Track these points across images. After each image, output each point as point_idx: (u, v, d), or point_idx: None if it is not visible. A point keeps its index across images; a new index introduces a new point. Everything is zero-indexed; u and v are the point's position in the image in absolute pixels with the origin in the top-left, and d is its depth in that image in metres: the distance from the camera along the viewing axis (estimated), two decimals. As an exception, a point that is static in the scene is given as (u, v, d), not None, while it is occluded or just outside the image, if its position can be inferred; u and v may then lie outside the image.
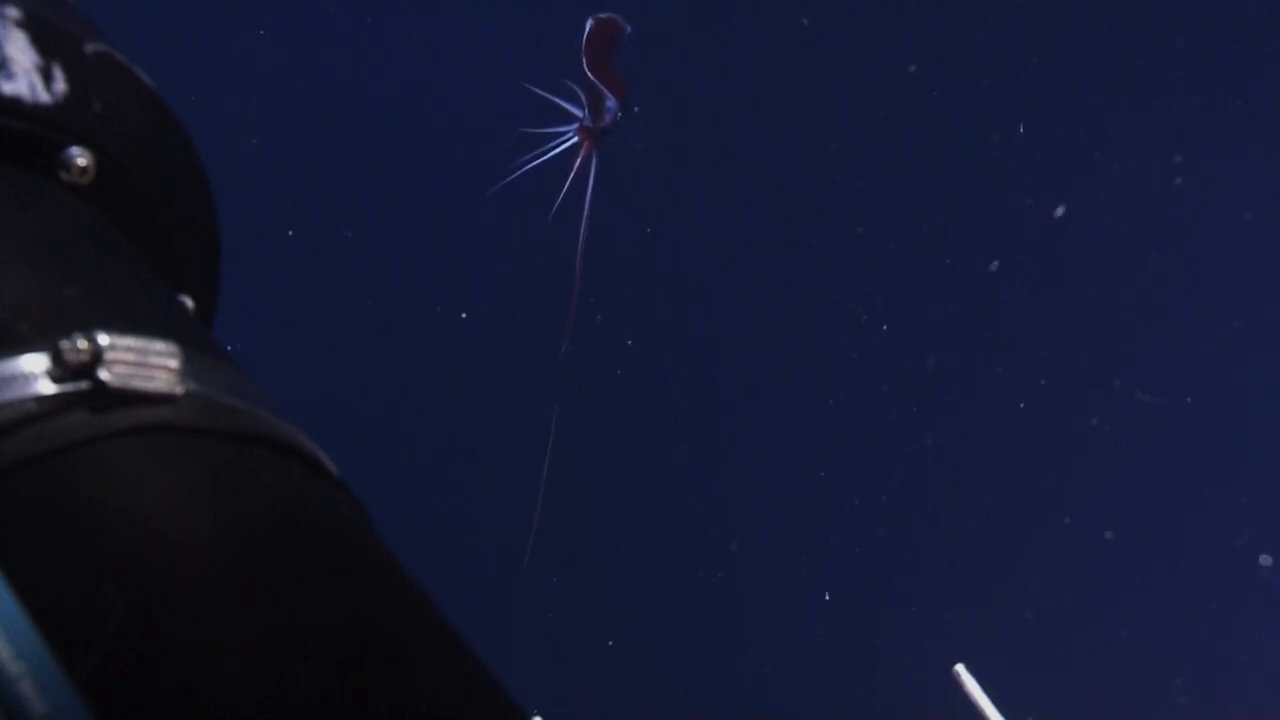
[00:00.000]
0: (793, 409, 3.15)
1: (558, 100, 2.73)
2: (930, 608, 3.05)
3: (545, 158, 2.73)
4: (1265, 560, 2.85)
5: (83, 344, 0.37)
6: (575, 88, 2.70)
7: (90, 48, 0.48)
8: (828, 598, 3.10)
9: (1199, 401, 3.03)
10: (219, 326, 0.53)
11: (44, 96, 0.46)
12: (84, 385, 0.36)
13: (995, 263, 3.11)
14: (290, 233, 3.10)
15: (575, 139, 2.73)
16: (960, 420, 3.13)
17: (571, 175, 2.72)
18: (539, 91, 2.73)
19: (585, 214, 2.74)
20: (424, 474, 3.14)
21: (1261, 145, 2.96)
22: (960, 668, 1.70)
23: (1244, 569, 2.98)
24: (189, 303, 0.49)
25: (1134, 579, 3.03)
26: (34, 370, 0.37)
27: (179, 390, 0.37)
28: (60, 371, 0.37)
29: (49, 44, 0.46)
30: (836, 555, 3.12)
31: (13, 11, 0.46)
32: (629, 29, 2.70)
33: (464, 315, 3.11)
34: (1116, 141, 3.04)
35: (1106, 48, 3.03)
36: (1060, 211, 2.85)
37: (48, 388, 0.36)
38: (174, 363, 0.38)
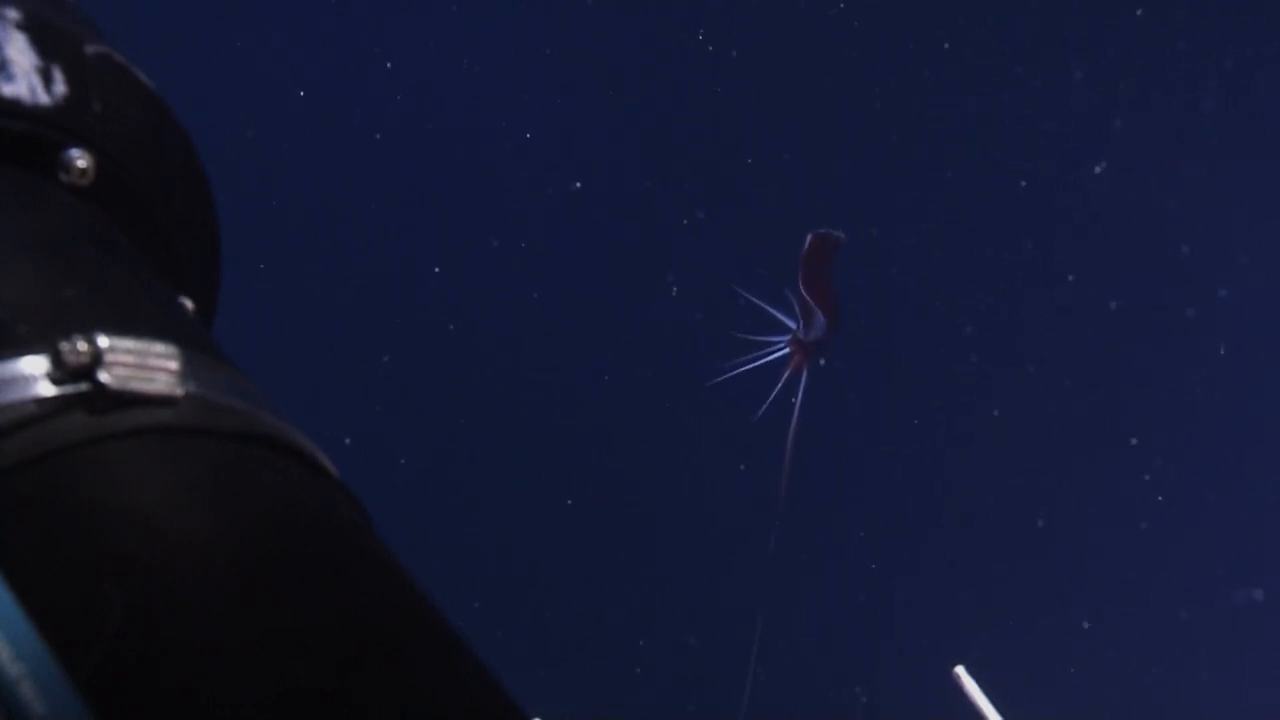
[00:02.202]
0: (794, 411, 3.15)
1: (771, 309, 2.77)
2: (930, 608, 3.05)
3: (757, 364, 2.78)
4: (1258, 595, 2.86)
5: (82, 345, 0.37)
6: (791, 298, 2.76)
7: (90, 48, 0.48)
8: (828, 598, 3.10)
9: (1202, 404, 3.03)
10: (219, 326, 0.53)
11: (44, 98, 0.46)
12: (84, 387, 0.36)
13: (998, 270, 3.10)
14: (290, 233, 3.09)
15: (787, 350, 2.75)
16: (961, 422, 3.13)
17: (781, 383, 2.76)
18: (753, 299, 2.77)
19: (794, 425, 2.79)
20: (424, 474, 3.14)
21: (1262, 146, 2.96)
22: (960, 668, 1.70)
23: (1245, 572, 2.98)
24: (189, 303, 0.49)
25: (1135, 581, 3.03)
26: (34, 372, 0.37)
27: (179, 392, 0.37)
28: (60, 373, 0.36)
29: (49, 45, 0.46)
30: (837, 556, 3.12)
31: (12, 13, 0.46)
32: (844, 238, 2.74)
33: (465, 294, 3.10)
34: (1116, 142, 3.03)
35: (1108, 50, 3.03)
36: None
37: (47, 389, 0.36)
38: (174, 364, 0.38)
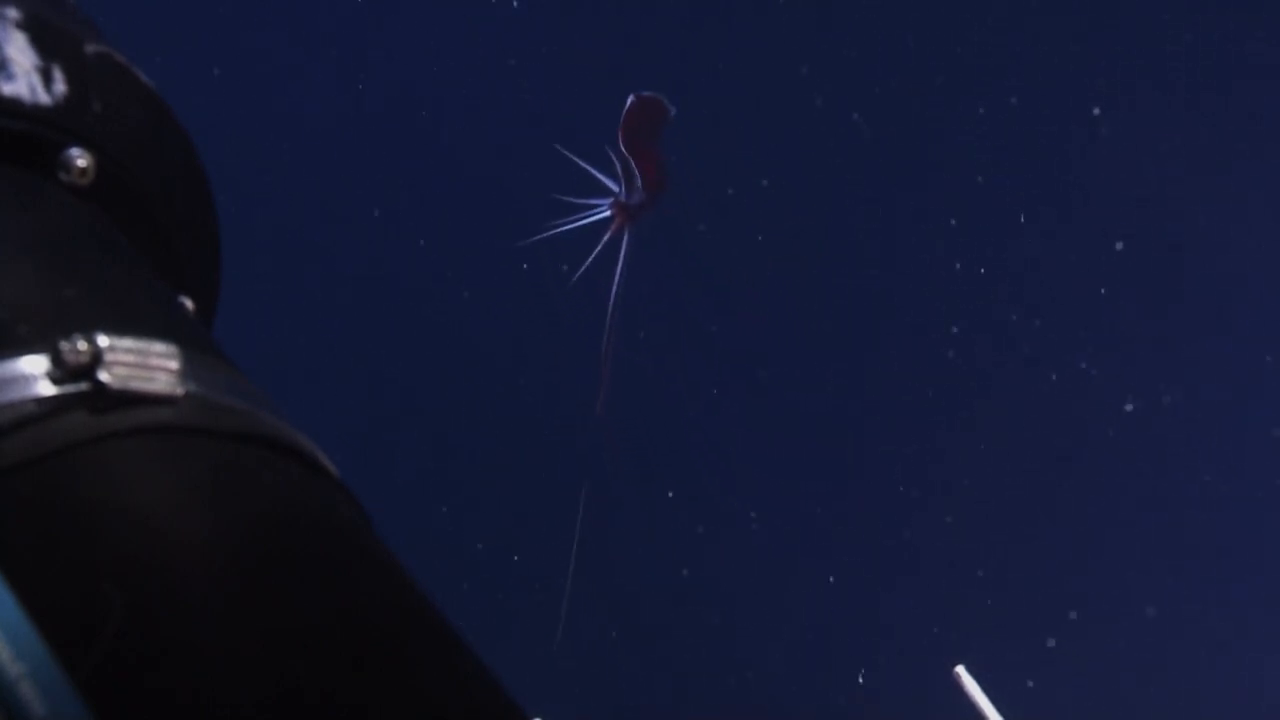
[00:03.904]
0: (795, 410, 3.15)
1: (594, 171, 2.72)
2: (930, 608, 3.05)
3: (577, 224, 2.73)
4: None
5: (83, 345, 0.37)
6: (615, 159, 2.70)
7: (90, 48, 0.48)
8: (828, 598, 3.10)
9: (1203, 404, 3.03)
10: (219, 326, 0.53)
11: (44, 97, 0.46)
12: (84, 386, 0.36)
13: (992, 267, 3.10)
14: (290, 233, 3.09)
15: (609, 212, 2.71)
16: (961, 421, 3.13)
17: (600, 246, 2.72)
18: (574, 159, 2.72)
19: (615, 287, 2.74)
20: (424, 474, 3.14)
21: (1262, 146, 2.96)
22: (960, 668, 1.71)
23: (1245, 573, 2.98)
24: (189, 303, 0.49)
25: (1134, 581, 3.03)
26: (34, 371, 0.37)
27: (179, 391, 0.37)
28: (60, 373, 0.37)
29: (49, 45, 0.46)
30: (837, 556, 3.12)
31: (13, 12, 0.46)
32: (673, 111, 2.69)
33: (465, 294, 3.09)
34: (1109, 142, 3.03)
35: (1104, 50, 3.03)
36: (1120, 246, 2.85)
37: (48, 389, 0.36)
38: (174, 364, 0.38)
